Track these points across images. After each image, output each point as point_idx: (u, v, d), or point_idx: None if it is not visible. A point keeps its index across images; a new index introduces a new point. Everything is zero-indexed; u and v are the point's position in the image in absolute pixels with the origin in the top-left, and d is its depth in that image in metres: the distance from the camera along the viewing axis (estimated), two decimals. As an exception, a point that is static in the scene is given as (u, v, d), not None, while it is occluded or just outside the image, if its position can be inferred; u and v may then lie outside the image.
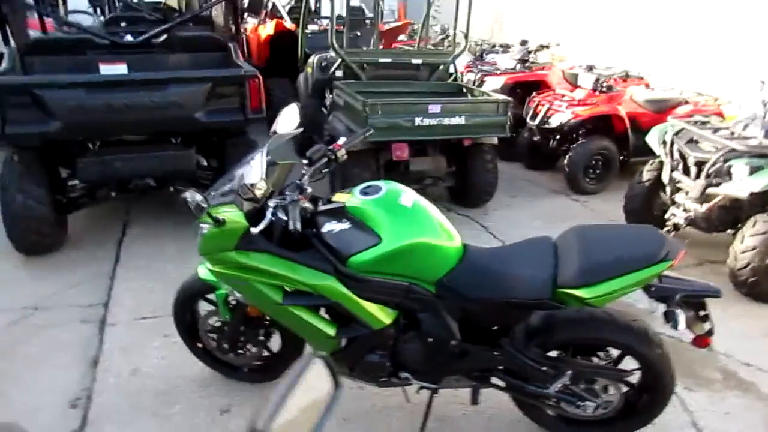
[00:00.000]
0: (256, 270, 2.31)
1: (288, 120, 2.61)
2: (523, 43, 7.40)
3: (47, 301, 3.70)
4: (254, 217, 2.27)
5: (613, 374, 2.38)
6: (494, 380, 2.47)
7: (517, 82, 6.79)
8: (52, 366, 3.07)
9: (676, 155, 4.31)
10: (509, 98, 4.90)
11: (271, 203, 2.20)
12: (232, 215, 2.22)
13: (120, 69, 4.34)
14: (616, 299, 2.19)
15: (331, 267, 2.26)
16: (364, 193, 2.30)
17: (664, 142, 4.42)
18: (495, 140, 5.11)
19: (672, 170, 4.31)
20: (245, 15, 9.52)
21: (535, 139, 6.24)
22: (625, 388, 2.53)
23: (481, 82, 6.90)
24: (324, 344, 2.46)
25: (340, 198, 2.33)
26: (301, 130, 2.62)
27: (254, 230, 2.14)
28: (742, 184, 3.77)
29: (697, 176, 4.09)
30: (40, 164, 4.04)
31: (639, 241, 2.18)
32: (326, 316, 2.44)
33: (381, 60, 5.41)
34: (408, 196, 2.31)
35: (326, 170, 2.50)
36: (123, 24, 6.54)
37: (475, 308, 2.28)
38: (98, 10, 8.35)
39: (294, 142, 5.90)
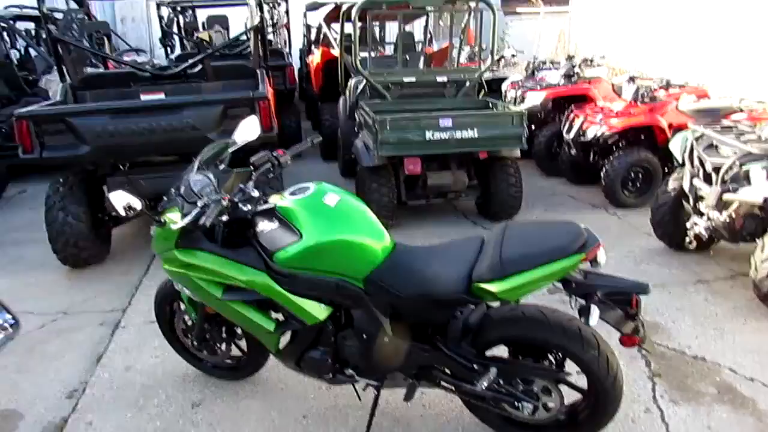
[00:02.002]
0: (197, 267, 2.48)
1: (247, 130, 2.79)
2: (569, 58, 7.25)
3: (76, 307, 4.09)
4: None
5: (540, 372, 2.31)
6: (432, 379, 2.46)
7: (559, 96, 6.66)
8: (61, 362, 3.40)
9: (696, 162, 4.07)
10: (523, 110, 4.85)
11: (199, 203, 2.36)
12: (171, 215, 2.42)
13: (158, 97, 4.78)
14: (528, 293, 2.15)
15: (262, 264, 2.39)
16: (292, 193, 2.42)
17: (686, 150, 4.19)
18: (517, 153, 5.06)
19: (692, 178, 4.07)
20: (312, 47, 10.03)
21: (573, 152, 6.07)
22: (576, 395, 2.45)
23: (523, 99, 6.83)
24: (268, 340, 2.58)
25: (274, 199, 2.47)
26: (254, 138, 2.76)
27: (174, 226, 2.31)
28: (757, 189, 3.50)
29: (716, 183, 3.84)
30: (80, 185, 4.51)
31: (554, 236, 2.14)
32: (277, 315, 2.55)
33: (405, 79, 5.54)
34: (333, 196, 2.39)
35: (271, 175, 2.65)
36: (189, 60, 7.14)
37: (402, 305, 2.31)
38: (168, 48, 9.13)
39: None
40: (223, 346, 2.97)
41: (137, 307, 4.02)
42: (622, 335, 2.15)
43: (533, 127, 7.01)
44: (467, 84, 5.67)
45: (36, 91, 7.52)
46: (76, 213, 4.37)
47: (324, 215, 2.33)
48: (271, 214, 2.40)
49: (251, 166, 2.61)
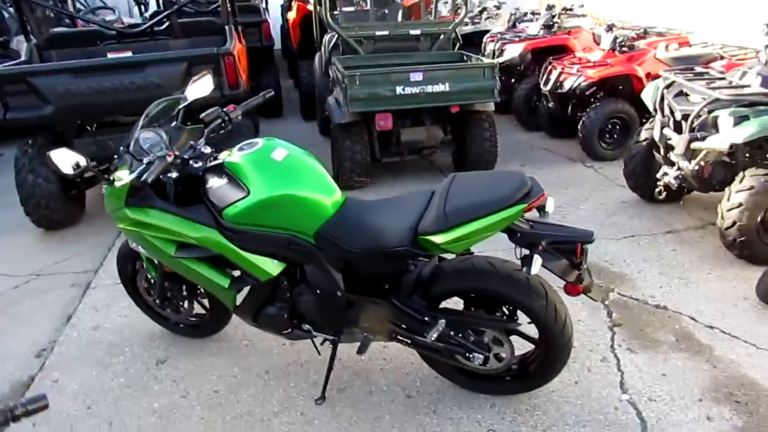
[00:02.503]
0: (149, 225, 2.48)
1: (199, 87, 2.75)
2: (549, 8, 7.11)
3: (49, 268, 4.11)
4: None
5: (489, 323, 2.34)
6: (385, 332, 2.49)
7: (537, 48, 6.55)
8: (32, 322, 3.43)
9: (667, 110, 4.03)
10: (495, 62, 4.77)
11: (145, 160, 2.34)
12: (120, 173, 2.39)
13: (124, 56, 4.69)
14: (473, 244, 2.16)
15: (213, 221, 2.38)
16: (240, 149, 2.40)
17: (657, 98, 4.15)
18: (491, 107, 5.00)
19: (662, 127, 4.04)
20: (291, 2, 9.78)
21: (550, 105, 6.01)
22: (529, 346, 2.49)
23: (502, 51, 6.72)
24: (225, 296, 2.60)
25: (223, 155, 2.44)
26: (207, 95, 2.73)
27: (119, 183, 2.29)
28: (723, 136, 3.48)
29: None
30: (49, 146, 4.45)
31: (497, 186, 2.12)
32: (233, 272, 2.55)
33: (378, 33, 5.43)
34: (281, 151, 2.37)
35: (222, 131, 2.61)
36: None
37: (353, 259, 2.32)
38: (142, 6, 8.91)
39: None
40: (186, 304, 2.98)
41: (109, 268, 4.02)
42: (567, 284, 2.16)
43: (513, 80, 6.94)
44: (441, 37, 5.56)
45: (8, 52, 7.36)
46: (46, 175, 4.34)
47: (271, 170, 2.31)
48: (220, 170, 2.38)
49: (202, 123, 2.58)
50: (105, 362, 3.01)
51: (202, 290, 2.92)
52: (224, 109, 2.60)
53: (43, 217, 4.49)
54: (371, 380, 2.76)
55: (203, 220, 2.40)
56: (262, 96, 2.77)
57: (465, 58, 5.43)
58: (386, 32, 5.48)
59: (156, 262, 2.80)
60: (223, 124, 2.60)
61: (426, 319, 2.34)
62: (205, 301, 2.98)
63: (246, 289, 2.57)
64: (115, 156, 2.58)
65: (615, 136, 5.56)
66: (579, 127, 5.55)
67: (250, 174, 2.29)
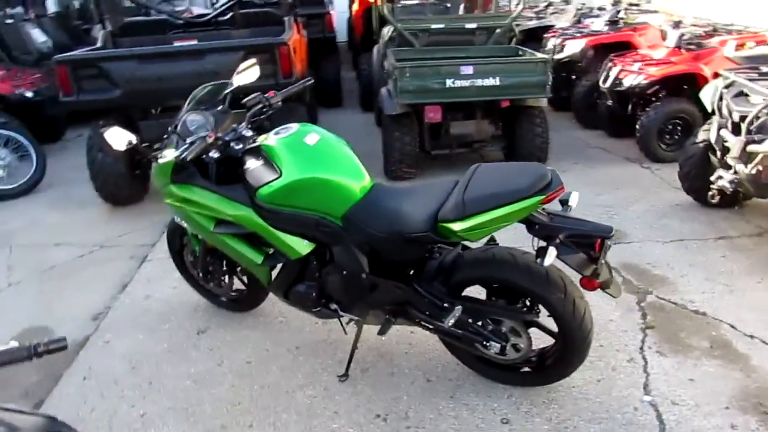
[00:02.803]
0: (191, 201, 2.65)
1: (245, 73, 2.89)
2: (615, 3, 6.91)
3: (112, 241, 4.42)
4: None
5: (507, 313, 2.37)
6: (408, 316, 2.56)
7: (599, 44, 6.40)
8: (92, 289, 3.71)
9: (725, 111, 3.88)
10: (547, 57, 4.72)
11: (188, 140, 2.50)
12: (166, 152, 2.57)
13: (188, 44, 4.95)
14: (490, 233, 2.20)
15: (248, 200, 2.53)
16: (277, 133, 2.53)
17: (716, 98, 4.00)
18: (543, 102, 4.95)
19: (720, 128, 3.90)
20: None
21: (610, 103, 5.86)
22: (548, 339, 2.50)
23: (562, 47, 6.61)
24: (259, 272, 2.75)
25: (261, 139, 2.58)
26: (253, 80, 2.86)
27: (161, 160, 2.46)
28: (781, 140, 3.33)
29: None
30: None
31: (517, 177, 2.15)
32: (267, 249, 2.69)
33: (433, 26, 5.47)
34: (314, 136, 2.48)
35: (263, 116, 2.75)
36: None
37: (376, 242, 2.40)
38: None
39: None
40: (226, 279, 3.16)
41: (164, 243, 4.26)
42: (583, 278, 2.16)
43: (573, 77, 6.81)
44: (498, 31, 5.54)
45: (89, 39, 7.87)
46: (115, 154, 4.65)
47: (303, 154, 2.43)
48: (257, 152, 2.52)
49: (242, 107, 2.73)
50: (152, 328, 3.23)
51: (240, 267, 3.08)
52: (265, 95, 2.73)
53: (110, 193, 4.82)
54: (394, 362, 2.84)
55: (240, 199, 2.55)
56: (302, 84, 2.89)
57: (520, 52, 5.38)
58: (441, 25, 5.51)
59: (199, 237, 2.99)
60: (264, 109, 2.73)
61: (445, 305, 2.39)
62: (244, 278, 3.15)
63: (279, 267, 2.71)
64: (165, 136, 2.77)
65: (675, 137, 5.37)
66: (637, 126, 5.40)
67: (283, 157, 2.42)
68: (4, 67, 6.99)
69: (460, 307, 2.35)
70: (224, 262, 3.07)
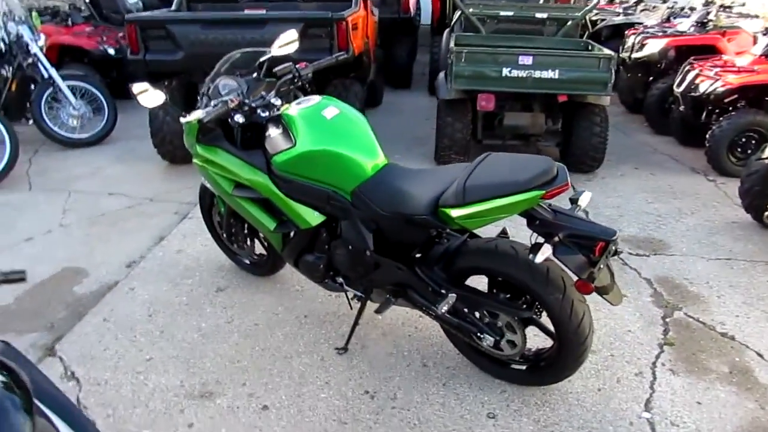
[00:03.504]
0: (214, 163, 2.74)
1: (285, 43, 2.93)
2: (707, 3, 6.48)
3: (161, 196, 4.64)
4: (222, 122, 2.68)
5: (501, 307, 2.31)
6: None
7: (681, 45, 6.03)
8: (133, 238, 3.92)
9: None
10: (612, 54, 4.49)
11: (213, 103, 2.58)
12: (194, 112, 2.67)
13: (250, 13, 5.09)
14: (487, 222, 2.15)
15: (265, 166, 2.59)
16: (298, 103, 2.56)
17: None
18: (605, 101, 4.73)
19: (787, 144, 3.61)
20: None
21: (682, 109, 5.53)
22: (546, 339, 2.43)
23: (642, 45, 6.28)
24: (273, 238, 2.82)
25: (285, 108, 2.62)
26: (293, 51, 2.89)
27: (183, 120, 2.55)
28: None
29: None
30: (180, 89, 4.98)
31: (522, 169, 2.08)
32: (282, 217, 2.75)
33: (502, 13, 5.33)
34: (333, 109, 2.50)
35: (292, 86, 2.79)
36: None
37: (381, 221, 2.40)
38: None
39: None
40: (248, 242, 3.25)
41: (206, 203, 4.45)
42: (578, 280, 2.08)
43: (650, 78, 6.47)
44: (569, 23, 5.33)
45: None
46: (173, 114, 4.86)
47: (318, 126, 2.46)
48: (278, 120, 2.57)
49: (274, 76, 2.78)
50: (176, 281, 3.38)
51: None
52: (296, 66, 2.77)
53: (167, 151, 5.05)
54: (396, 343, 2.84)
55: (258, 165, 2.62)
56: (334, 58, 2.91)
57: (590, 47, 5.17)
58: (510, 13, 5.36)
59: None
60: (294, 80, 2.77)
61: (442, 291, 2.37)
62: (265, 243, 3.23)
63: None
64: (198, 97, 2.87)
65: (748, 150, 5.01)
66: (707, 135, 5.08)
67: (299, 127, 2.45)
68: (93, 25, 7.42)
69: (454, 295, 2.32)
70: (246, 226, 3.16)
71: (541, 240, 2.09)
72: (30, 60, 5.63)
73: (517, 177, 2.04)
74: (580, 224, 2.06)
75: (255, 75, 2.91)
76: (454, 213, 2.12)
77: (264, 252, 3.29)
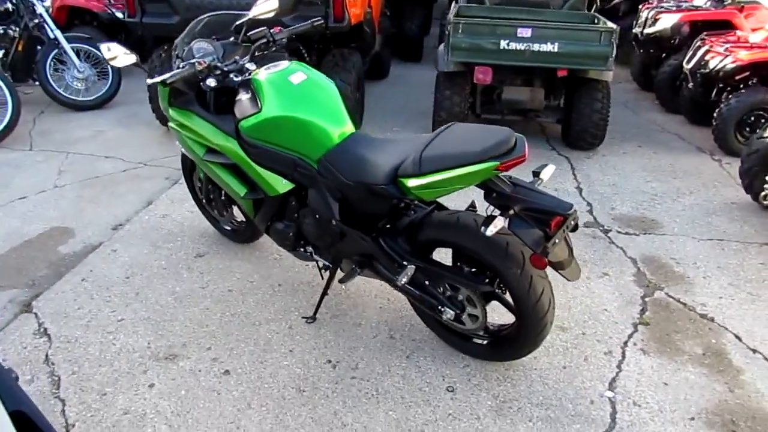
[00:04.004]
0: (186, 127, 2.73)
1: (263, 6, 2.88)
2: (726, -24, 6.23)
3: (156, 161, 4.66)
4: (197, 86, 2.66)
5: (458, 280, 2.28)
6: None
7: (696, 21, 5.82)
8: (122, 202, 3.95)
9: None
10: (615, 26, 4.34)
11: (181, 65, 2.55)
12: (161, 75, 2.64)
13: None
14: (443, 194, 2.11)
15: (235, 131, 2.57)
16: (267, 68, 2.53)
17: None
18: (607, 76, 4.60)
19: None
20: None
21: (691, 86, 5.36)
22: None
23: (655, 20, 6.08)
24: (244, 204, 2.81)
25: (255, 72, 2.58)
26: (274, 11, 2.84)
27: (149, 81, 2.53)
28: None
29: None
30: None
31: (479, 139, 2.03)
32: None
33: (505, -16, 5.19)
34: (300, 75, 2.46)
35: (266, 51, 2.75)
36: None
37: (347, 190, 2.37)
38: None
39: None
40: (226, 208, 3.25)
41: (200, 169, 4.46)
42: (533, 254, 2.03)
43: (663, 54, 6.27)
44: (575, -5, 5.17)
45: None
46: (169, 78, 4.85)
47: (284, 92, 2.42)
48: (248, 85, 2.54)
49: (249, 41, 2.74)
50: (157, 245, 3.41)
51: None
52: (271, 30, 2.73)
53: (162, 116, 5.04)
54: (365, 315, 2.84)
55: (227, 130, 2.60)
56: (310, 23, 2.86)
57: (596, 20, 5.01)
58: (514, -16, 5.21)
59: (203, 164, 3.08)
60: (268, 44, 2.73)
61: (403, 263, 2.34)
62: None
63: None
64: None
65: (757, 130, 4.84)
66: (715, 114, 4.92)
67: (266, 92, 2.42)
68: (103, -13, 7.41)
69: (412, 267, 2.30)
70: (223, 192, 3.15)
71: (496, 212, 2.04)
72: (36, 20, 5.67)
73: (472, 148, 1.99)
74: (537, 197, 2.01)
75: (232, 39, 2.87)
76: (411, 183, 2.08)
77: (243, 219, 3.29)
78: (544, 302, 2.19)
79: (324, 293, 2.77)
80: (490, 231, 1.95)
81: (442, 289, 2.38)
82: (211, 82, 2.58)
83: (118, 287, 3.01)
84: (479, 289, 2.27)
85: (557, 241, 1.98)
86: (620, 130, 5.55)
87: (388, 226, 2.46)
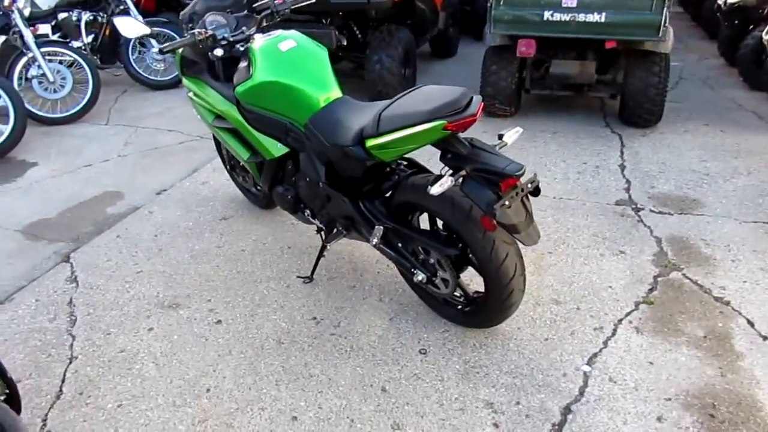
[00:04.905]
0: (197, 95, 2.93)
1: None
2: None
3: (210, 135, 4.94)
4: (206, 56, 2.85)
5: (425, 243, 2.29)
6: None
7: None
8: (171, 170, 4.26)
9: None
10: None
11: (188, 34, 2.73)
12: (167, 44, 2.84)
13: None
14: (398, 154, 2.15)
15: (234, 97, 2.73)
16: (262, 37, 2.65)
17: None
18: (665, 48, 4.31)
19: None
20: None
21: (765, 57, 4.87)
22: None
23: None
24: (250, 167, 2.98)
25: (252, 41, 2.71)
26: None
27: (153, 49, 2.72)
28: None
29: None
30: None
31: (432, 99, 2.03)
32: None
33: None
34: (290, 42, 2.56)
35: (271, 22, 2.87)
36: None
37: (328, 153, 2.45)
38: None
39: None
40: (247, 173, 3.43)
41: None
42: (483, 216, 2.01)
43: (750, 26, 5.74)
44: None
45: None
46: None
47: (272, 58, 2.53)
48: (246, 53, 2.68)
49: (254, 12, 2.88)
50: (190, 208, 3.67)
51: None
52: (275, 1, 2.85)
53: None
54: (361, 278, 2.91)
55: (229, 96, 2.76)
56: (309, -1, 2.94)
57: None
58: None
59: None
60: (273, 15, 2.85)
61: (377, 225, 2.39)
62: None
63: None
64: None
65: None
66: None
67: (257, 59, 2.55)
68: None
69: (381, 227, 2.34)
70: (241, 157, 3.33)
71: (450, 172, 2.04)
72: (122, 7, 6.18)
73: (423, 107, 2.00)
74: (491, 159, 1.99)
75: (245, 12, 3.03)
76: (370, 143, 2.13)
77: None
78: (508, 267, 2.16)
79: (320, 255, 2.87)
80: (435, 190, 1.96)
81: (414, 252, 2.41)
82: (218, 51, 2.76)
83: (145, 244, 3.28)
84: (446, 252, 2.27)
85: (507, 203, 1.95)
86: (690, 107, 5.17)
87: (371, 189, 2.52)
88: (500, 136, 2.11)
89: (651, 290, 2.77)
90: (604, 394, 2.19)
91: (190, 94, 3.05)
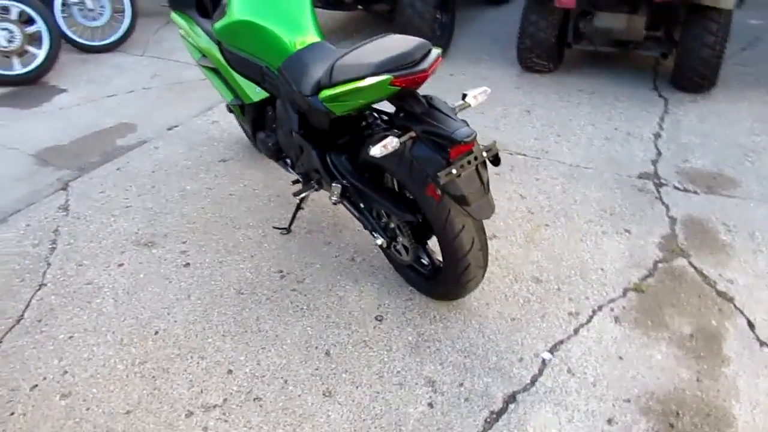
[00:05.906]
0: (185, 30, 2.83)
1: None
2: None
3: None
4: None
5: (384, 205, 2.14)
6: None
7: None
8: (187, 107, 4.22)
9: None
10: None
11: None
12: None
13: None
14: (349, 108, 1.99)
15: (216, 35, 2.61)
16: (247, -25, 2.49)
17: None
18: (727, 3, 3.81)
19: None
20: None
21: None
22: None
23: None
24: (234, 109, 2.90)
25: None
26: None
27: None
28: None
29: None
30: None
31: (385, 50, 1.84)
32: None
33: None
34: None
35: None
36: None
37: (297, 101, 2.32)
38: None
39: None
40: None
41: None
42: (429, 183, 1.83)
43: None
44: None
45: None
46: None
47: (248, -1, 2.39)
48: (232, -7, 2.54)
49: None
50: (192, 147, 3.64)
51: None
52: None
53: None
54: (339, 235, 2.81)
55: (212, 35, 2.64)
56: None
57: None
58: None
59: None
60: None
61: (334, 181, 2.27)
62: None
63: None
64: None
65: None
66: None
67: (236, -1, 2.41)
68: None
69: (338, 185, 2.21)
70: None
71: (398, 133, 1.87)
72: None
73: (374, 59, 1.82)
74: (442, 120, 1.80)
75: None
76: (322, 94, 1.98)
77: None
78: (463, 240, 1.99)
79: (298, 207, 2.78)
80: (374, 152, 1.79)
81: (379, 215, 2.27)
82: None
83: (141, 179, 3.29)
84: (404, 219, 2.12)
85: (455, 171, 1.76)
86: (758, 72, 4.61)
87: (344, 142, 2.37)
88: (464, 96, 1.90)
89: (646, 277, 2.53)
90: (557, 386, 2.03)
91: (181, 31, 2.96)
